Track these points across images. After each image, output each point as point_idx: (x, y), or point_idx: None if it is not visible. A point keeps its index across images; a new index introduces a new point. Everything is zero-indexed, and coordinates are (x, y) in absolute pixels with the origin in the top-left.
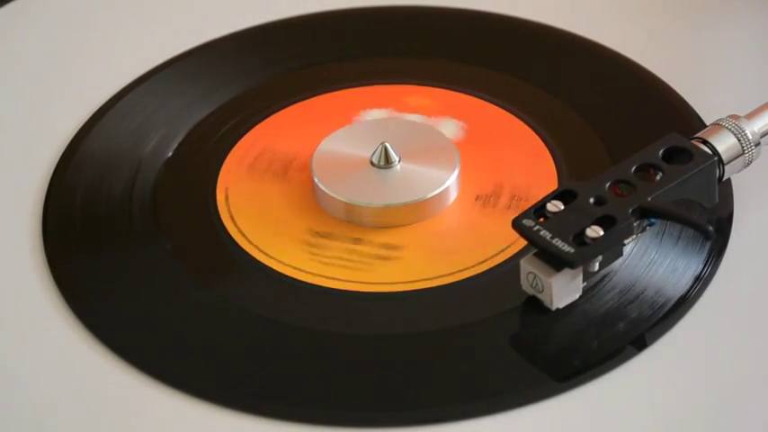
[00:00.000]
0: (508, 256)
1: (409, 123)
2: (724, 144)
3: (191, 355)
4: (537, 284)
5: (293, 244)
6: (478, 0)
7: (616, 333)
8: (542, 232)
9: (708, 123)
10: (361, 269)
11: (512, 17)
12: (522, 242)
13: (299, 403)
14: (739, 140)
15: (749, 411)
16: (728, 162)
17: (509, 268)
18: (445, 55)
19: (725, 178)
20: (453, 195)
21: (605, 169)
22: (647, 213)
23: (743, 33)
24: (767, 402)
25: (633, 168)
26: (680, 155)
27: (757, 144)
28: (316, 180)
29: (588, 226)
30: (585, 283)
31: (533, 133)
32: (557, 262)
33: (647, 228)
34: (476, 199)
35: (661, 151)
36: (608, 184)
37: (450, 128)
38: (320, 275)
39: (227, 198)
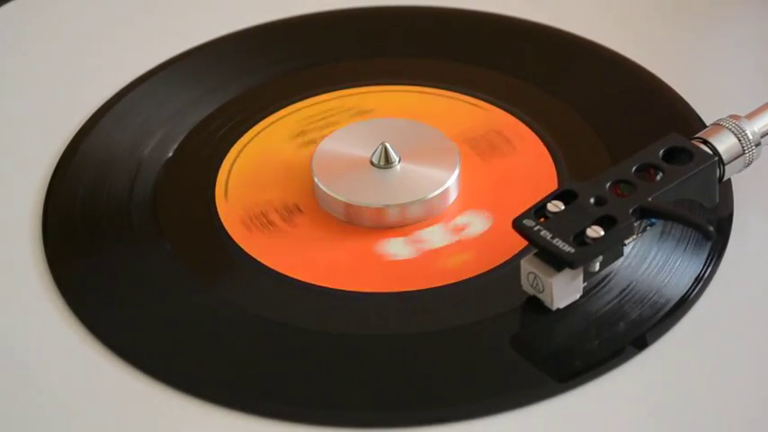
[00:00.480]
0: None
1: (409, 123)
2: (724, 144)
3: (190, 355)
4: (537, 284)
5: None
6: (478, 0)
7: (616, 333)
8: (543, 232)
9: (708, 123)
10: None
11: (511, 17)
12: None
13: (299, 403)
14: (740, 140)
15: (749, 411)
16: (729, 162)
17: (509, 269)
18: (445, 55)
19: (725, 178)
20: (453, 195)
21: (605, 169)
22: (647, 213)
23: (743, 34)
24: (767, 402)
25: (633, 168)
26: (680, 155)
27: (757, 144)
28: (316, 180)
29: (589, 226)
30: (586, 284)
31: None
32: (557, 262)
33: (648, 228)
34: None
35: (661, 151)
36: (608, 184)
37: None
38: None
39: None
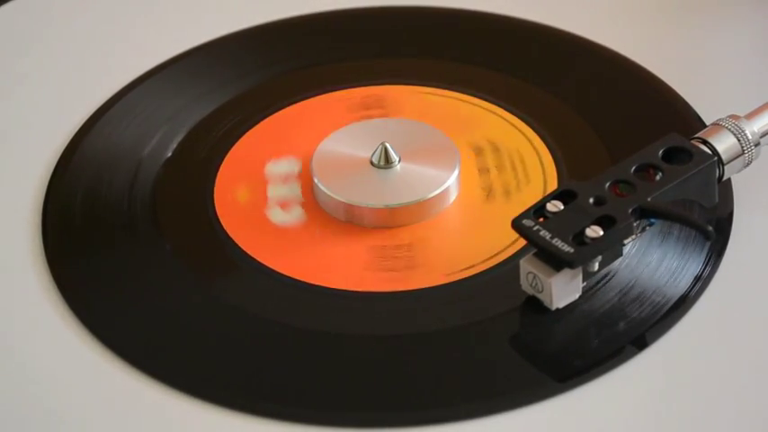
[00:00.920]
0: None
1: (409, 123)
2: (724, 144)
3: (190, 354)
4: (537, 284)
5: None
6: (478, 0)
7: (616, 333)
8: (542, 232)
9: (708, 123)
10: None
11: (511, 17)
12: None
13: (298, 403)
14: (739, 140)
15: (749, 411)
16: (728, 162)
17: (509, 268)
18: (445, 55)
19: (725, 178)
20: (453, 195)
21: (605, 169)
22: (646, 213)
23: (743, 33)
24: (767, 402)
25: (633, 168)
26: (680, 155)
27: (757, 144)
28: (316, 180)
29: (588, 226)
30: (585, 283)
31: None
32: (556, 262)
33: (647, 228)
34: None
35: (661, 151)
36: (608, 184)
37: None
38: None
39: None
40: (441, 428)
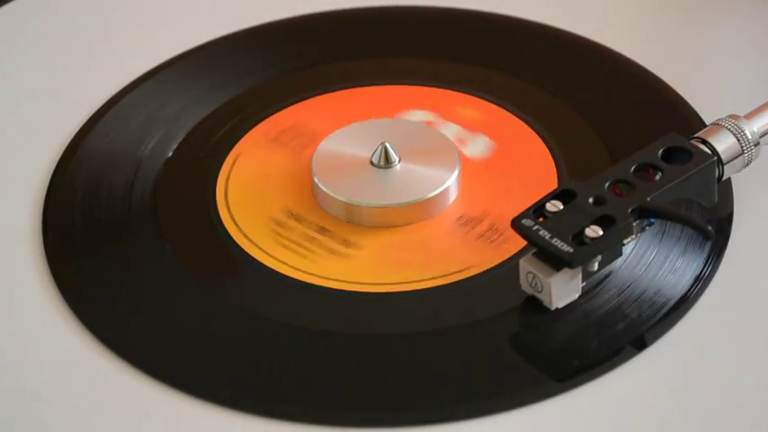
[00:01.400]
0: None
1: (409, 123)
2: (723, 144)
3: (190, 354)
4: (536, 284)
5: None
6: (478, 0)
7: (616, 333)
8: (541, 232)
9: (708, 123)
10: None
11: (511, 17)
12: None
13: (298, 403)
14: (738, 140)
15: (749, 411)
16: (728, 162)
17: (508, 268)
18: (445, 55)
19: (724, 178)
20: (453, 195)
21: (605, 169)
22: (646, 213)
23: (743, 33)
24: (767, 402)
25: (633, 168)
26: (679, 155)
27: (756, 144)
28: (316, 180)
29: (587, 226)
30: (585, 283)
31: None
32: (556, 262)
33: (647, 228)
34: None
35: (660, 151)
36: (607, 184)
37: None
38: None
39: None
40: (441, 428)
